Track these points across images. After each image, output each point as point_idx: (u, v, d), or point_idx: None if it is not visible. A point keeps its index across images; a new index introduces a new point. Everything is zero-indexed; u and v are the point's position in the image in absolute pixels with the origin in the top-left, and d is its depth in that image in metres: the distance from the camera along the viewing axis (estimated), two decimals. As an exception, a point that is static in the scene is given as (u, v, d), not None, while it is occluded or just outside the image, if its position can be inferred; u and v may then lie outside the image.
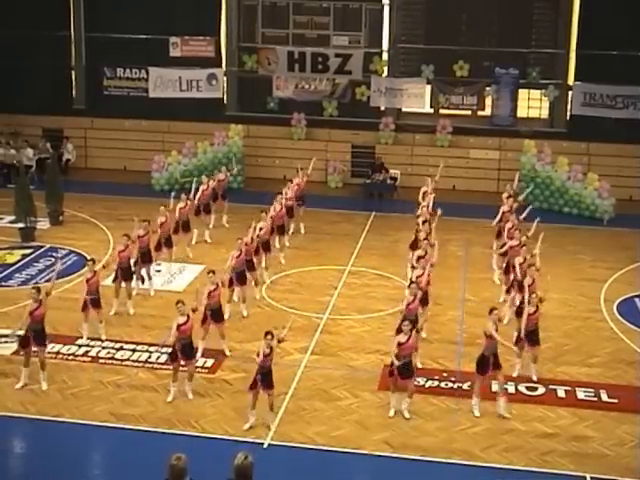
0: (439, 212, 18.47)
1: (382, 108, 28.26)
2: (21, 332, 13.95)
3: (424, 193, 20.61)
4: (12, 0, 28.41)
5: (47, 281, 18.36)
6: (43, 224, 22.09)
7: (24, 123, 28.62)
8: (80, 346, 15.40)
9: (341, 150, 27.92)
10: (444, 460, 12.23)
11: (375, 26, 28.06)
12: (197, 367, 14.29)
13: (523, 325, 14.20)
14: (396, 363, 12.93)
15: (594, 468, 12.06)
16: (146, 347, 15.42)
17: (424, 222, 18.48)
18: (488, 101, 27.79)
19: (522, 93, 27.97)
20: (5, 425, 12.94)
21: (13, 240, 21.05)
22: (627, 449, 12.60)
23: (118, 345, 15.49)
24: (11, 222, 21.91)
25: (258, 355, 12.50)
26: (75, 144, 28.52)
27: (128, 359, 15.02)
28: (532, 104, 28.54)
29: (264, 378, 12.56)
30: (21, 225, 21.28)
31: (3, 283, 18.54)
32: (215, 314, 15.04)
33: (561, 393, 14.21)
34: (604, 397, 14.09)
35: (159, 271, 18.62)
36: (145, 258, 17.61)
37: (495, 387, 13.79)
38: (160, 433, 12.66)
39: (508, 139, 27.18)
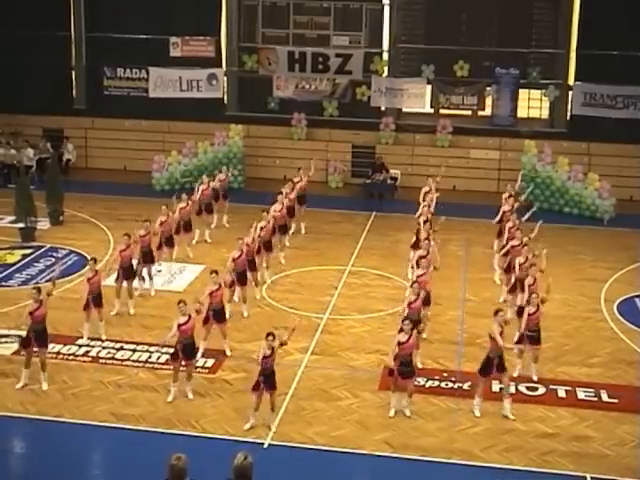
0: (442, 219, 18.47)
1: (382, 108, 28.26)
2: (20, 332, 13.97)
3: (425, 193, 20.66)
4: (12, 0, 28.41)
5: (48, 281, 18.41)
6: (43, 224, 22.09)
7: (24, 123, 28.63)
8: (80, 346, 15.40)
9: (341, 150, 27.92)
10: (444, 460, 12.23)
11: (375, 26, 28.06)
12: (197, 367, 14.30)
13: (523, 325, 14.20)
14: (390, 364, 12.94)
15: (594, 468, 12.06)
16: (146, 347, 15.41)
17: (425, 222, 18.51)
18: (488, 101, 27.80)
19: (522, 93, 27.96)
20: (5, 425, 12.94)
21: (13, 240, 21.05)
22: (627, 449, 12.60)
23: (118, 345, 15.49)
24: (11, 222, 21.91)
25: (258, 356, 12.48)
26: (75, 144, 28.52)
27: (128, 359, 15.02)
28: (532, 104, 28.55)
29: (267, 379, 12.54)
30: (21, 225, 21.28)
31: (3, 283, 18.55)
32: (217, 314, 15.03)
33: (561, 393, 14.21)
34: (604, 397, 14.09)
35: (159, 271, 18.62)
36: (146, 258, 17.61)
37: (495, 388, 13.82)
38: (160, 433, 12.66)
39: (508, 139, 27.18)
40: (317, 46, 27.79)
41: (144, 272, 17.75)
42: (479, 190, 26.11)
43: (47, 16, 28.20)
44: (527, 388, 14.24)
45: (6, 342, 15.39)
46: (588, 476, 11.91)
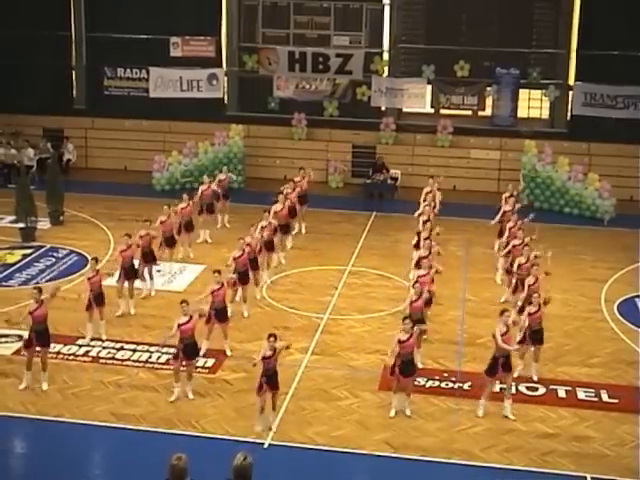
0: (438, 229, 18.49)
1: (383, 108, 28.25)
2: (19, 331, 13.99)
3: (426, 193, 20.69)
4: (13, 0, 28.42)
5: (48, 281, 18.44)
6: (44, 224, 22.09)
7: (25, 123, 28.63)
8: (81, 346, 15.41)
9: (342, 150, 27.92)
10: (444, 460, 12.23)
11: (376, 26, 28.05)
12: (197, 367, 14.29)
13: (522, 324, 14.20)
14: (390, 363, 12.93)
15: (595, 468, 12.06)
16: (147, 347, 15.42)
17: (426, 221, 18.53)
18: (489, 101, 27.79)
19: (523, 93, 27.96)
20: (6, 425, 12.94)
21: (14, 240, 21.05)
22: (628, 449, 12.60)
23: (119, 345, 15.50)
24: (12, 222, 21.90)
25: (262, 357, 12.44)
26: (76, 144, 28.52)
27: (129, 359, 15.02)
28: (533, 104, 28.54)
29: (269, 380, 12.52)
30: (22, 225, 21.28)
31: (4, 283, 18.55)
32: (219, 313, 15.03)
33: (562, 393, 14.21)
34: (605, 397, 14.10)
35: (159, 271, 18.61)
36: (147, 258, 17.61)
37: (496, 388, 13.81)
38: (161, 433, 12.66)
39: (509, 139, 27.18)
40: (317, 46, 27.78)
41: (145, 272, 17.74)
42: (479, 190, 26.11)
43: (47, 16, 28.20)
44: (527, 388, 14.25)
45: (6, 342, 15.40)
46: (588, 476, 11.92)
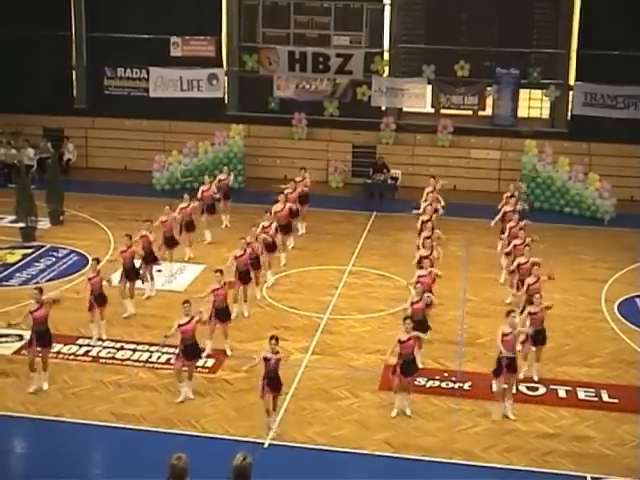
0: (439, 233, 18.52)
1: (383, 108, 28.25)
2: (18, 330, 13.99)
3: (428, 193, 20.70)
4: (14, 1, 28.42)
5: (48, 281, 18.45)
6: (44, 224, 22.10)
7: (25, 123, 28.65)
8: (81, 346, 15.41)
9: (342, 150, 27.93)
10: (445, 460, 12.23)
11: (376, 26, 28.05)
12: (198, 367, 14.27)
13: (523, 324, 14.19)
14: (389, 360, 12.93)
15: (595, 468, 12.06)
16: (147, 347, 15.42)
17: (427, 221, 18.53)
18: (489, 101, 27.78)
19: (523, 93, 27.94)
20: (6, 425, 12.94)
21: (14, 240, 21.06)
22: (628, 449, 12.60)
23: (119, 345, 15.50)
24: (12, 222, 21.91)
25: (266, 359, 12.40)
26: (76, 144, 28.54)
27: (129, 359, 15.02)
28: (533, 104, 28.53)
29: (270, 382, 12.47)
30: (22, 225, 21.29)
31: (4, 283, 18.55)
32: (220, 313, 15.01)
33: (562, 393, 14.21)
34: (605, 397, 14.10)
35: (160, 271, 18.61)
36: (147, 258, 17.60)
37: (495, 388, 13.84)
38: (161, 433, 12.66)
39: (509, 139, 27.18)
40: (318, 46, 27.77)
41: (147, 272, 17.73)
42: (480, 190, 26.11)
43: (48, 16, 28.20)
44: (528, 388, 14.24)
45: (7, 342, 15.40)
46: (588, 476, 11.91)
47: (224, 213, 22.41)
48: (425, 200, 20.48)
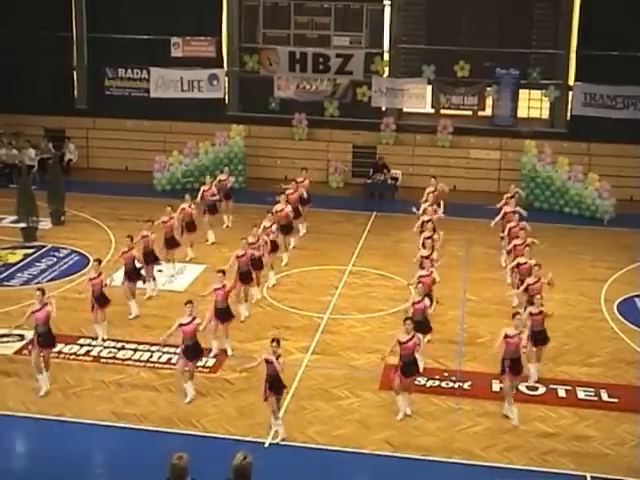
0: (440, 234, 18.55)
1: (383, 108, 28.29)
2: (20, 330, 14.02)
3: (428, 193, 20.72)
4: (15, 1, 28.48)
5: (50, 281, 18.50)
6: (45, 224, 22.14)
7: (26, 123, 28.70)
8: (82, 345, 15.46)
9: (342, 150, 27.97)
10: (445, 459, 12.26)
11: (376, 26, 28.09)
12: (198, 366, 14.30)
13: (522, 324, 14.22)
14: (387, 357, 12.94)
15: (594, 467, 12.09)
16: (147, 347, 15.45)
17: (427, 221, 18.56)
18: (489, 101, 27.83)
19: (523, 93, 27.99)
20: (7, 424, 12.97)
21: (15, 240, 21.10)
22: (627, 448, 12.63)
23: (120, 345, 15.54)
24: (13, 222, 21.96)
25: (267, 362, 12.41)
26: (77, 144, 28.59)
27: (130, 359, 15.06)
28: (533, 104, 28.58)
29: (273, 385, 12.44)
30: (23, 225, 21.34)
31: (5, 283, 18.60)
32: (220, 313, 15.04)
33: (562, 393, 14.24)
34: (604, 397, 14.13)
35: (160, 271, 18.65)
36: (148, 258, 17.64)
37: (496, 387, 13.87)
38: (161, 432, 12.69)
39: (509, 139, 27.23)
40: (318, 46, 27.82)
41: (143, 272, 17.74)
42: (480, 190, 26.14)
43: (49, 17, 28.25)
44: (527, 388, 14.26)
45: (8, 341, 15.44)
46: (588, 475, 11.94)
47: (225, 213, 22.45)
48: (426, 200, 20.51)
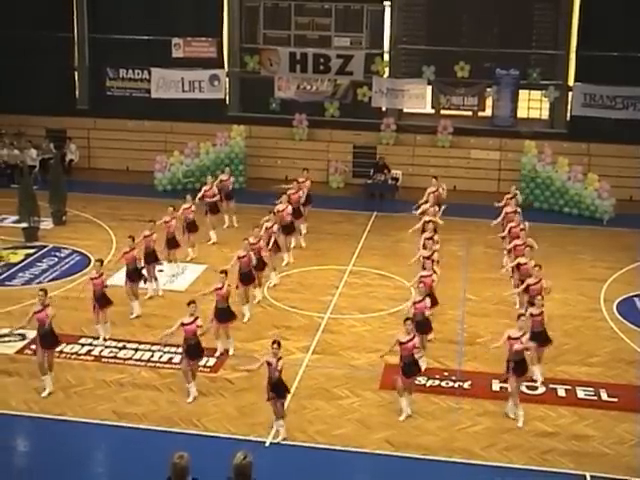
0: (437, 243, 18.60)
1: (383, 109, 28.34)
2: (22, 330, 14.08)
3: (429, 194, 20.75)
4: (16, 2, 28.52)
5: (51, 281, 18.55)
6: (46, 224, 22.19)
7: (28, 123, 28.75)
8: (83, 345, 15.51)
9: (342, 150, 28.02)
10: (445, 459, 12.31)
11: (376, 27, 28.15)
12: (199, 366, 14.35)
13: (524, 325, 14.26)
14: (387, 355, 12.97)
15: (594, 467, 12.13)
16: (149, 346, 15.50)
17: (428, 222, 18.60)
18: (489, 102, 27.86)
19: (522, 94, 28.03)
20: (9, 423, 13.02)
21: (17, 240, 21.14)
22: (627, 448, 12.68)
23: (121, 344, 15.59)
24: (15, 222, 22.02)
25: (269, 364, 12.44)
26: (78, 144, 28.65)
27: (131, 358, 15.11)
28: (532, 105, 28.63)
29: (273, 388, 12.45)
30: (24, 225, 21.39)
31: (7, 282, 18.65)
32: (220, 313, 15.08)
33: (561, 392, 14.28)
34: (604, 396, 14.17)
35: (161, 271, 18.70)
36: (150, 258, 17.69)
37: (496, 387, 13.92)
38: (162, 432, 12.74)
39: (509, 140, 27.26)
40: (318, 47, 27.87)
41: (144, 271, 17.78)
42: (480, 190, 26.18)
43: (50, 18, 28.33)
44: (527, 387, 14.27)
45: (9, 341, 15.50)
46: (588, 475, 11.98)
47: (227, 213, 22.49)
48: (426, 201, 20.55)
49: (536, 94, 28.33)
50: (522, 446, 12.63)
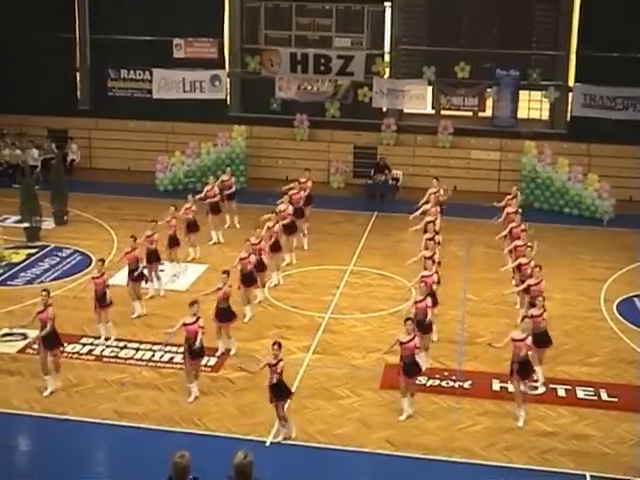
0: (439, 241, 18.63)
1: (384, 109, 28.37)
2: (23, 330, 14.13)
3: (430, 194, 20.78)
4: (18, 3, 28.56)
5: (53, 280, 18.60)
6: (48, 224, 22.22)
7: (29, 124, 28.80)
8: (84, 345, 15.55)
9: (343, 151, 28.05)
10: (445, 458, 12.34)
11: (377, 28, 28.18)
12: (201, 365, 14.38)
13: (524, 326, 14.30)
14: (386, 353, 13.00)
15: (594, 466, 12.16)
16: (150, 346, 15.55)
17: (430, 222, 18.64)
18: (489, 102, 27.88)
19: (523, 94, 28.03)
20: (10, 423, 13.08)
21: (18, 240, 21.18)
22: (627, 447, 12.71)
23: (122, 344, 15.63)
24: (16, 222, 22.07)
25: (270, 365, 12.45)
26: (80, 144, 28.69)
27: (132, 358, 15.15)
28: (533, 105, 28.64)
29: (272, 390, 12.45)
30: (26, 225, 21.44)
31: (9, 282, 18.69)
32: (220, 313, 15.13)
33: (561, 392, 14.32)
34: (604, 396, 14.21)
35: (162, 270, 18.74)
36: (151, 258, 17.74)
37: (496, 387, 13.95)
38: (163, 431, 12.78)
39: (509, 140, 27.28)
40: (319, 48, 27.89)
41: (145, 271, 17.81)
42: (480, 190, 26.18)
43: (52, 18, 28.36)
44: (527, 387, 14.31)
45: (11, 340, 15.55)
46: (588, 474, 12.01)
47: (229, 213, 22.53)
48: (427, 201, 20.57)
49: (536, 95, 28.35)
50: (522, 446, 12.66)
